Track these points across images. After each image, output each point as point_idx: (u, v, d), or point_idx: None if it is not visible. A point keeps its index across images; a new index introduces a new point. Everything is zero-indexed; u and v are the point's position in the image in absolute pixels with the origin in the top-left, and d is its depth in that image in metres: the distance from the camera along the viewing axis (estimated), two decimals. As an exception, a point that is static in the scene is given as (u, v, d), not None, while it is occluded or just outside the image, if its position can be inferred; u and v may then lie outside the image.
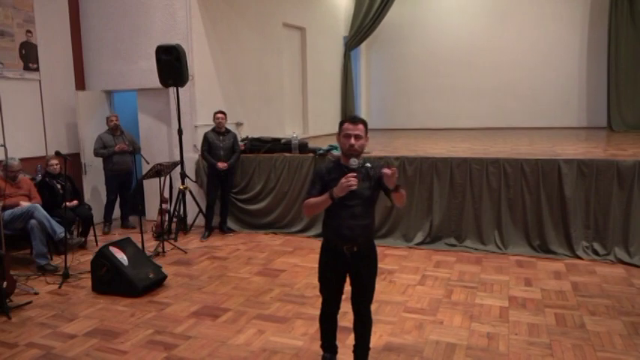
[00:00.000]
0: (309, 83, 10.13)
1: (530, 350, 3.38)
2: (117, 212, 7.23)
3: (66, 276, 4.93)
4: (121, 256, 4.63)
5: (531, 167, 5.54)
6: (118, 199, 7.15)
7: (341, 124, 2.81)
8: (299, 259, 5.55)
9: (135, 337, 3.72)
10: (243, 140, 7.06)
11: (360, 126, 2.76)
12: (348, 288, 2.97)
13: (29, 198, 5.58)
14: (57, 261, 5.45)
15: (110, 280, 4.55)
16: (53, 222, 5.36)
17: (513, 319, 3.90)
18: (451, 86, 11.53)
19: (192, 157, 6.98)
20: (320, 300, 3.05)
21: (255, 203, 6.82)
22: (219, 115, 6.46)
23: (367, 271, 2.89)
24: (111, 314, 4.15)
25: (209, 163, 6.44)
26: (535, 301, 4.24)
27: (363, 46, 12.00)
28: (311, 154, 6.51)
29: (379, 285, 4.64)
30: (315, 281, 3.05)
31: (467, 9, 11.36)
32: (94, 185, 7.33)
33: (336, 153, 2.88)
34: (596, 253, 5.31)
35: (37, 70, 6.81)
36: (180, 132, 6.49)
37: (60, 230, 5.34)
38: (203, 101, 7.08)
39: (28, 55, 6.71)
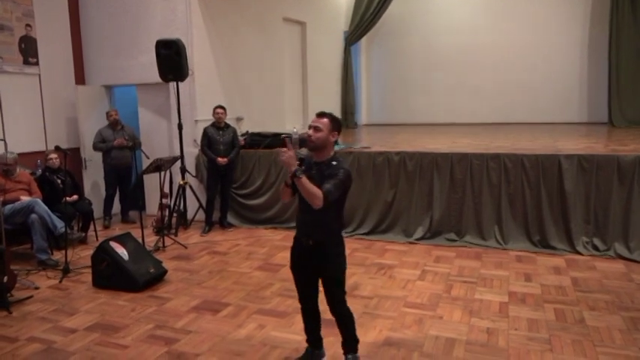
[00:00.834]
0: (309, 78, 10.09)
1: (530, 345, 3.39)
2: (117, 207, 7.24)
3: (66, 271, 4.95)
4: (122, 251, 4.64)
5: (532, 162, 5.53)
6: (118, 193, 7.17)
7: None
8: (299, 254, 5.55)
9: (135, 331, 3.73)
10: (243, 135, 7.06)
11: (324, 120, 2.84)
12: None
13: (29, 193, 5.58)
14: (57, 256, 5.45)
15: (110, 274, 4.56)
16: (54, 217, 5.37)
17: (513, 314, 3.90)
18: (452, 81, 11.48)
19: (192, 151, 6.97)
20: None
21: (256, 198, 6.83)
22: (219, 110, 6.46)
23: (327, 267, 2.86)
24: (111, 309, 4.16)
25: (209, 158, 6.44)
26: (535, 296, 4.25)
27: (363, 40, 11.96)
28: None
29: (379, 280, 4.70)
30: None
31: (468, 3, 11.31)
32: (94, 180, 7.34)
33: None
34: (596, 248, 5.31)
35: (36, 64, 6.80)
36: (180, 126, 6.48)
37: (60, 225, 5.34)
38: (203, 96, 7.06)
39: (28, 50, 6.69)
